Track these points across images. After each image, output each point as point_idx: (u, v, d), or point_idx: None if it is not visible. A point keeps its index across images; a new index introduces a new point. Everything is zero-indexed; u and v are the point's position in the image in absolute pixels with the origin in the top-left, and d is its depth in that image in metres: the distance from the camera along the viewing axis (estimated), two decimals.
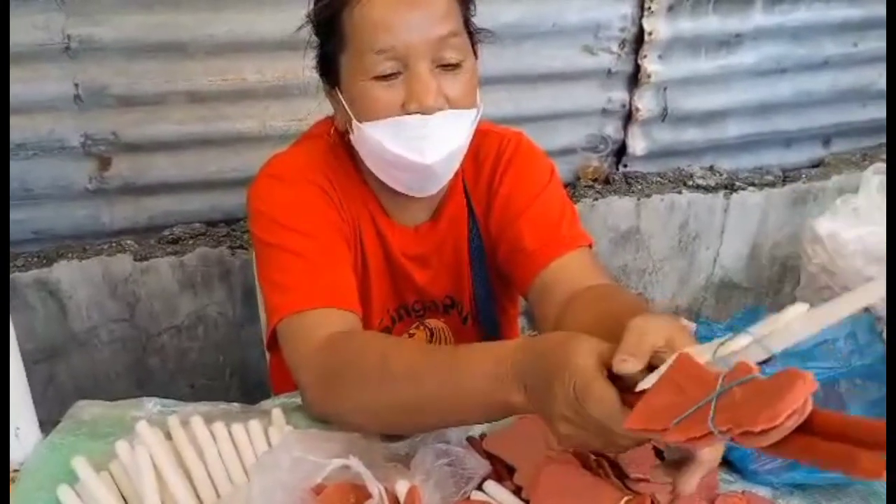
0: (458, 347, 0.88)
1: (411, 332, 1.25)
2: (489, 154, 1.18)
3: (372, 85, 0.99)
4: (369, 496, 0.81)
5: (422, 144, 1.00)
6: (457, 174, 1.11)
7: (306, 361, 0.97)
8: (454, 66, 0.99)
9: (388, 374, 0.88)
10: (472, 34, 1.06)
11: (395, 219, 1.16)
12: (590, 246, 1.15)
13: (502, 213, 1.16)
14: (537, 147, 1.22)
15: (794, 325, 0.62)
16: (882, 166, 1.07)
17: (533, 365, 0.75)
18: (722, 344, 0.65)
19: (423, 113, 0.98)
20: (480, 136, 1.14)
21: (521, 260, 1.13)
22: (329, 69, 1.05)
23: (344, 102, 1.04)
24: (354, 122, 1.02)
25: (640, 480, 0.88)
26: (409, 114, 0.98)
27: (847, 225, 1.03)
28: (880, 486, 0.94)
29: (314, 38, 1.07)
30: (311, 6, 1.05)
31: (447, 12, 0.99)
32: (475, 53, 1.06)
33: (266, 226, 1.08)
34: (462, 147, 1.05)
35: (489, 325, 1.26)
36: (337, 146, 1.14)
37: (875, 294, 0.59)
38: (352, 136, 1.06)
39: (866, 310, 1.01)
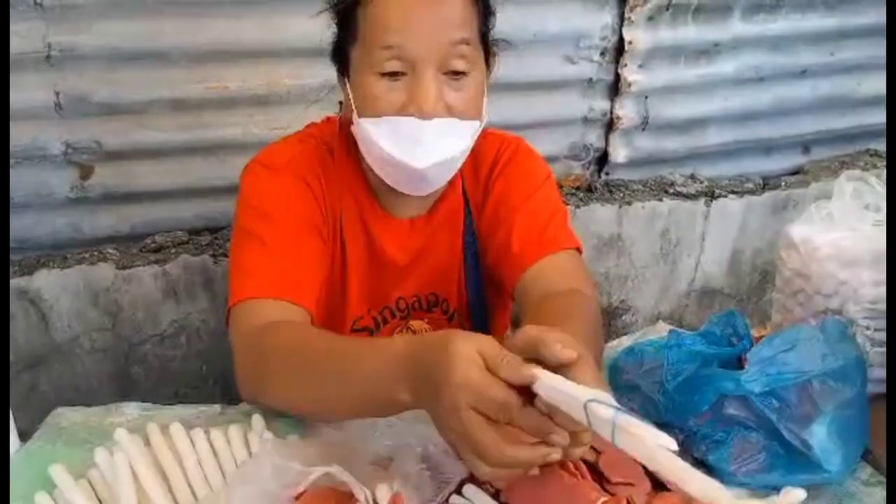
0: (363, 342, 0.91)
1: (395, 335, 1.25)
2: (488, 155, 1.20)
3: (376, 81, 1.00)
4: (348, 501, 0.81)
5: (415, 148, 1.01)
6: (455, 173, 1.13)
7: (239, 346, 1.01)
8: (460, 75, 1.01)
9: (296, 369, 0.91)
10: (488, 47, 1.07)
11: (390, 211, 1.17)
12: (578, 249, 1.16)
13: (494, 213, 1.18)
14: (536, 152, 1.24)
15: (643, 444, 0.61)
16: (855, 173, 1.08)
17: (417, 370, 0.76)
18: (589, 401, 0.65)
19: (420, 117, 0.99)
20: (481, 138, 1.16)
21: (506, 260, 1.14)
22: (341, 57, 1.07)
23: (350, 94, 1.05)
24: (355, 114, 1.04)
25: (619, 484, 0.89)
26: (406, 116, 1.00)
27: (821, 230, 1.04)
28: (854, 487, 0.96)
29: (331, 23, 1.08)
30: None
31: (462, 20, 1.00)
32: (489, 66, 1.07)
33: (243, 210, 1.10)
34: (458, 157, 1.06)
35: (478, 323, 1.27)
36: (337, 139, 1.15)
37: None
38: (352, 128, 1.08)
39: (837, 313, 1.03)
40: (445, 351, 0.72)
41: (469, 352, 0.71)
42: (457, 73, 1.00)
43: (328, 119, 1.21)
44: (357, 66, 1.03)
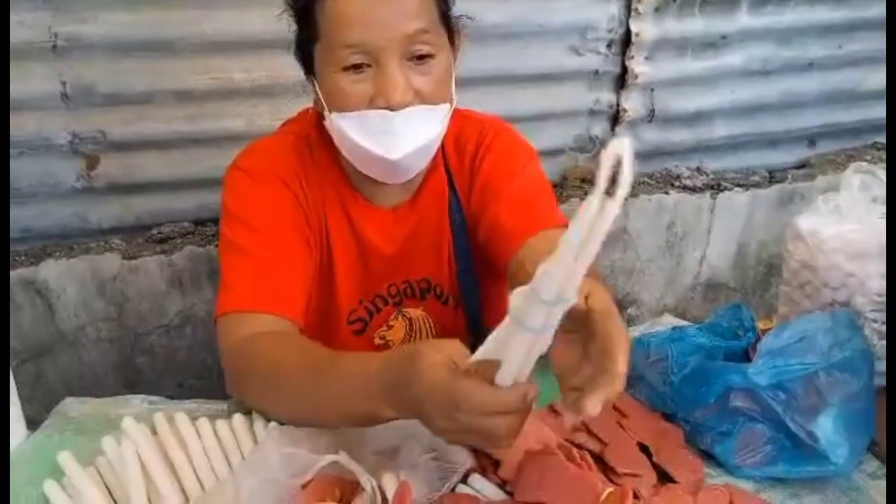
0: (338, 357, 0.91)
1: (390, 322, 1.25)
2: (470, 138, 1.19)
3: (341, 77, 1.00)
4: (354, 489, 0.81)
5: (387, 140, 1.01)
6: (437, 156, 1.13)
7: (224, 360, 1.01)
8: (425, 59, 1.00)
9: (275, 383, 0.93)
10: (451, 27, 1.06)
11: (374, 201, 1.17)
12: (566, 226, 1.15)
13: (482, 194, 1.18)
14: (517, 132, 1.24)
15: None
16: (862, 166, 1.08)
17: (394, 387, 0.78)
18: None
19: (389, 108, 0.98)
20: (461, 120, 1.16)
21: (498, 239, 1.14)
22: (305, 55, 1.07)
23: (318, 91, 1.05)
24: (326, 111, 1.04)
25: (625, 475, 0.89)
26: (376, 108, 0.99)
27: (828, 222, 1.04)
28: (861, 479, 0.96)
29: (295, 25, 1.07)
30: None
31: (420, 8, 0.99)
32: (454, 46, 1.06)
33: (227, 220, 1.10)
34: (432, 141, 1.05)
35: (471, 305, 1.27)
36: (314, 132, 1.15)
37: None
38: (325, 123, 1.07)
39: (844, 306, 1.03)
40: (413, 363, 0.74)
41: (435, 357, 0.73)
42: (422, 58, 1.00)
43: (305, 111, 1.20)
44: (321, 63, 1.02)
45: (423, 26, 0.99)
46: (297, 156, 1.14)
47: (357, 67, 0.98)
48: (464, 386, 0.70)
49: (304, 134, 1.16)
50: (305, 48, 1.06)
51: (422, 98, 1.00)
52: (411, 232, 1.20)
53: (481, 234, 1.18)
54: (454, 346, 0.75)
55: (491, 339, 0.68)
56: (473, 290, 1.26)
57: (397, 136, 1.00)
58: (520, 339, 0.65)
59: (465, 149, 1.19)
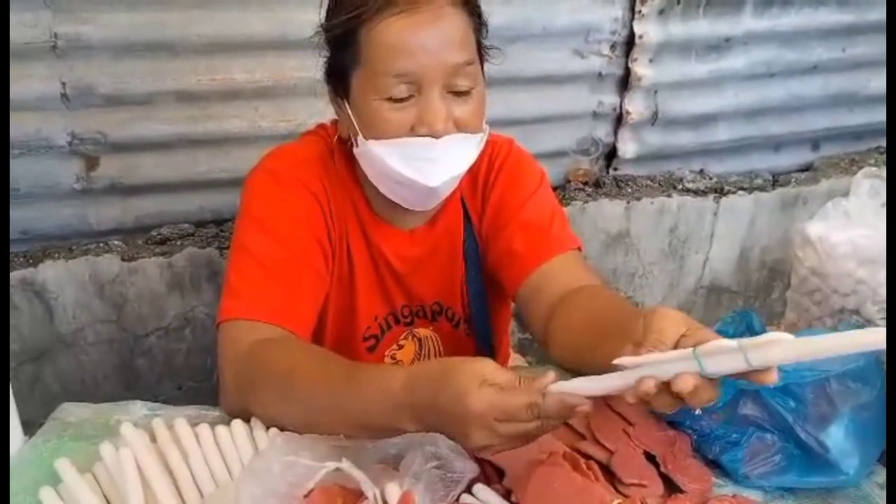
0: (357, 369, 0.90)
1: (400, 342, 1.25)
2: (482, 161, 1.19)
3: (383, 105, 0.99)
4: (357, 499, 0.80)
5: (427, 167, 1.01)
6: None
7: (229, 365, 1.00)
8: (465, 93, 1.00)
9: (289, 390, 0.92)
10: (482, 57, 1.06)
11: (391, 223, 1.16)
12: (579, 249, 1.15)
13: (494, 218, 1.18)
14: (527, 153, 1.23)
15: (776, 347, 0.65)
16: (872, 170, 1.07)
17: (421, 401, 0.80)
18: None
19: (431, 136, 0.99)
20: None
21: (510, 263, 1.14)
22: (338, 80, 1.05)
23: (351, 115, 1.04)
24: (360, 137, 1.03)
25: (632, 485, 0.88)
26: (417, 136, 0.99)
27: (837, 227, 1.03)
28: (871, 490, 0.95)
29: (324, 45, 1.06)
30: (324, 17, 1.05)
31: (464, 39, 1.00)
32: (483, 75, 1.06)
33: (245, 223, 1.08)
34: (466, 169, 1.06)
35: (481, 328, 1.26)
36: (336, 150, 1.13)
37: (870, 341, 0.59)
38: (355, 149, 1.06)
39: (854, 313, 1.01)
40: (449, 384, 0.76)
41: (473, 379, 0.75)
42: (461, 91, 1.00)
43: (323, 126, 1.19)
44: (360, 89, 1.01)
45: (467, 58, 0.99)
46: (324, 166, 1.13)
47: (400, 100, 0.98)
48: (510, 401, 0.74)
49: (329, 147, 1.15)
50: (340, 72, 1.04)
51: (460, 128, 1.01)
52: (427, 254, 1.19)
53: (492, 258, 1.18)
54: (486, 365, 0.77)
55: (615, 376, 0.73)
56: (483, 313, 1.25)
57: (437, 163, 1.01)
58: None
59: (476, 173, 1.19)
